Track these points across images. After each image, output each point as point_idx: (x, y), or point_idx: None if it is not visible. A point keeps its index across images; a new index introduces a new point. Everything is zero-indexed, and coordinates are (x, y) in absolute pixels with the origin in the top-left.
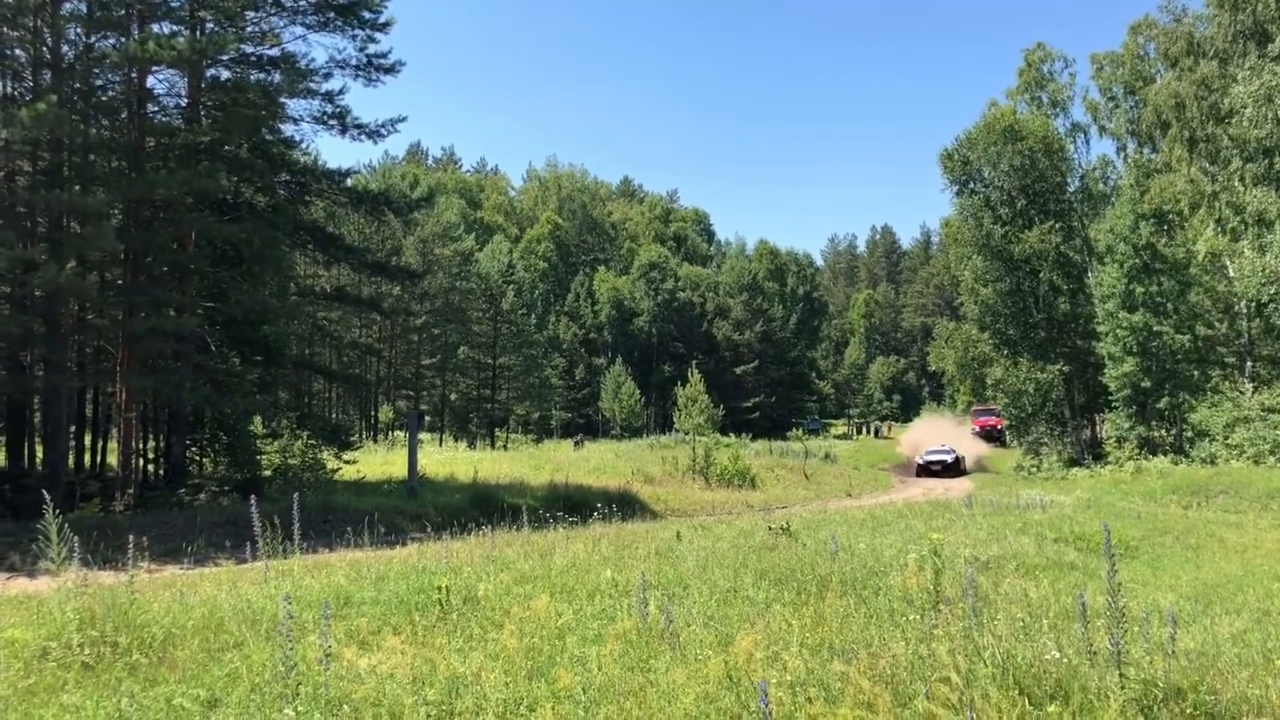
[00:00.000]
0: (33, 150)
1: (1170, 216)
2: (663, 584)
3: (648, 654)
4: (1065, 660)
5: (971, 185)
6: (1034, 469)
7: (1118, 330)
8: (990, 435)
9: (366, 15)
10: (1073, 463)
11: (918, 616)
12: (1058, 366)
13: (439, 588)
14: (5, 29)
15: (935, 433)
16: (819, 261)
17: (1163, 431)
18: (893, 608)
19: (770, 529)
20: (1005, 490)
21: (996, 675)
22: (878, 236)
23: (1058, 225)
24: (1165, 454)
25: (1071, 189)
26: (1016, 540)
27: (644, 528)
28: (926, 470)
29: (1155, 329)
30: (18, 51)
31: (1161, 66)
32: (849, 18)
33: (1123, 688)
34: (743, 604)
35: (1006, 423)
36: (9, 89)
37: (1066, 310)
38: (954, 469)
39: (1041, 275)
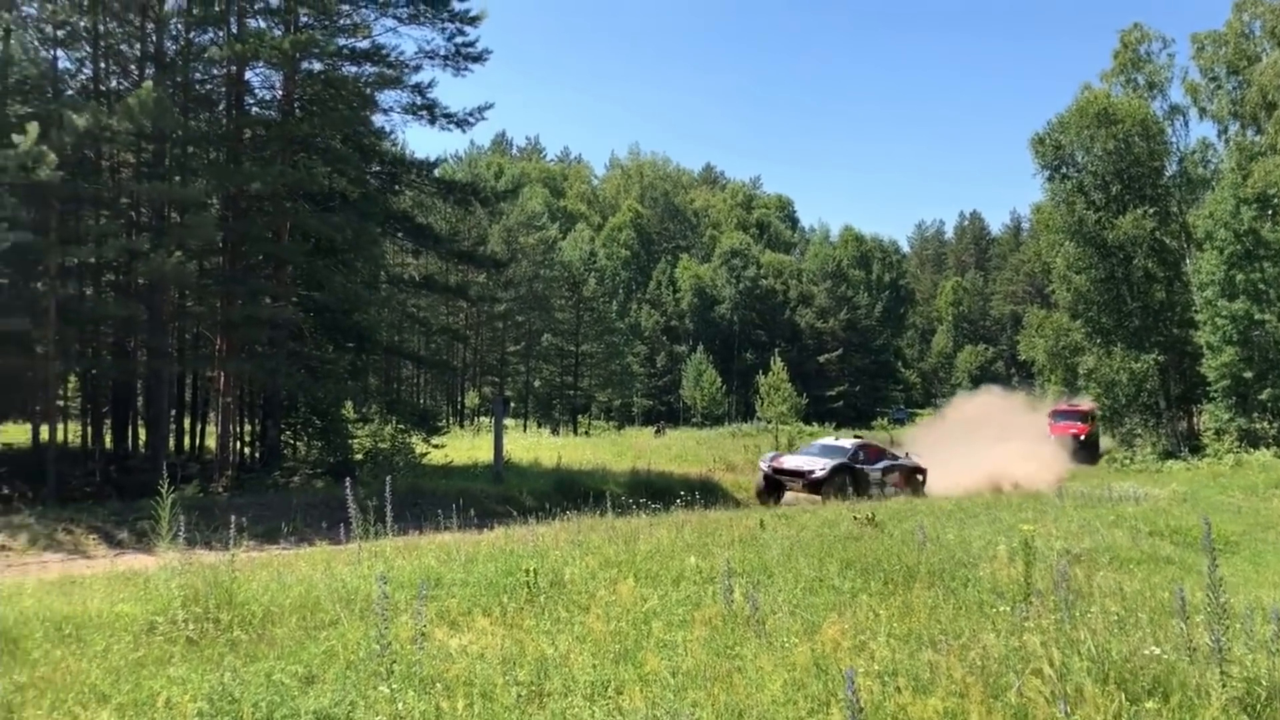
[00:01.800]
0: (136, 142)
1: (1275, 201)
2: (747, 571)
3: (734, 640)
4: (1164, 656)
5: (1063, 170)
6: (1127, 461)
7: (1217, 319)
8: (1079, 443)
9: (456, 7)
10: (1168, 455)
11: (1008, 609)
12: (1153, 356)
13: (526, 571)
14: (114, 25)
15: (983, 416)
16: (905, 248)
17: (1265, 424)
18: (982, 599)
19: (855, 518)
20: (1097, 482)
21: (1092, 669)
22: (966, 223)
23: (1153, 210)
24: (1268, 447)
25: (1169, 173)
26: (1109, 533)
27: (726, 515)
28: (775, 486)
29: (1257, 317)
30: (123, 47)
31: (1268, 45)
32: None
33: (1224, 686)
34: (828, 593)
35: (1096, 427)
36: (116, 84)
37: (1163, 298)
38: (818, 486)
39: (1136, 262)
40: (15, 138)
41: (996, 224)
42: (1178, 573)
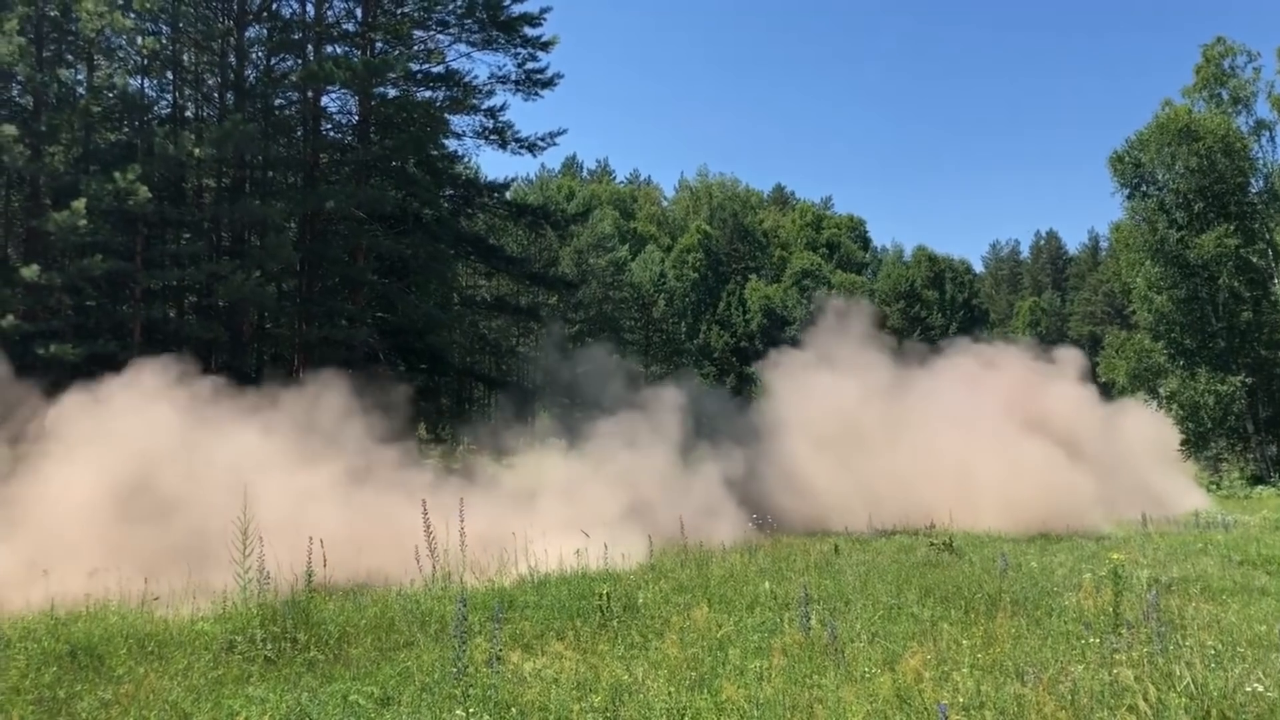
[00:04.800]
0: (218, 167)
1: None
2: (823, 598)
3: (812, 669)
4: (1267, 694)
5: (1143, 188)
6: (1213, 486)
7: None
8: None
9: (528, 32)
10: (1257, 480)
11: (1097, 640)
12: (1239, 378)
13: (600, 594)
14: (197, 54)
15: None
16: (979, 268)
17: None
18: (1069, 630)
19: (932, 544)
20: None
21: (1190, 706)
22: (1042, 242)
23: (1237, 229)
24: None
25: (1254, 190)
26: (1198, 561)
27: (800, 540)
28: None
29: None
30: (205, 75)
31: None
32: (1010, 18)
33: None
34: (908, 621)
35: None
36: (199, 110)
37: (1249, 318)
38: None
39: (1221, 281)
40: (115, 174)
41: (1073, 243)
42: (1275, 605)
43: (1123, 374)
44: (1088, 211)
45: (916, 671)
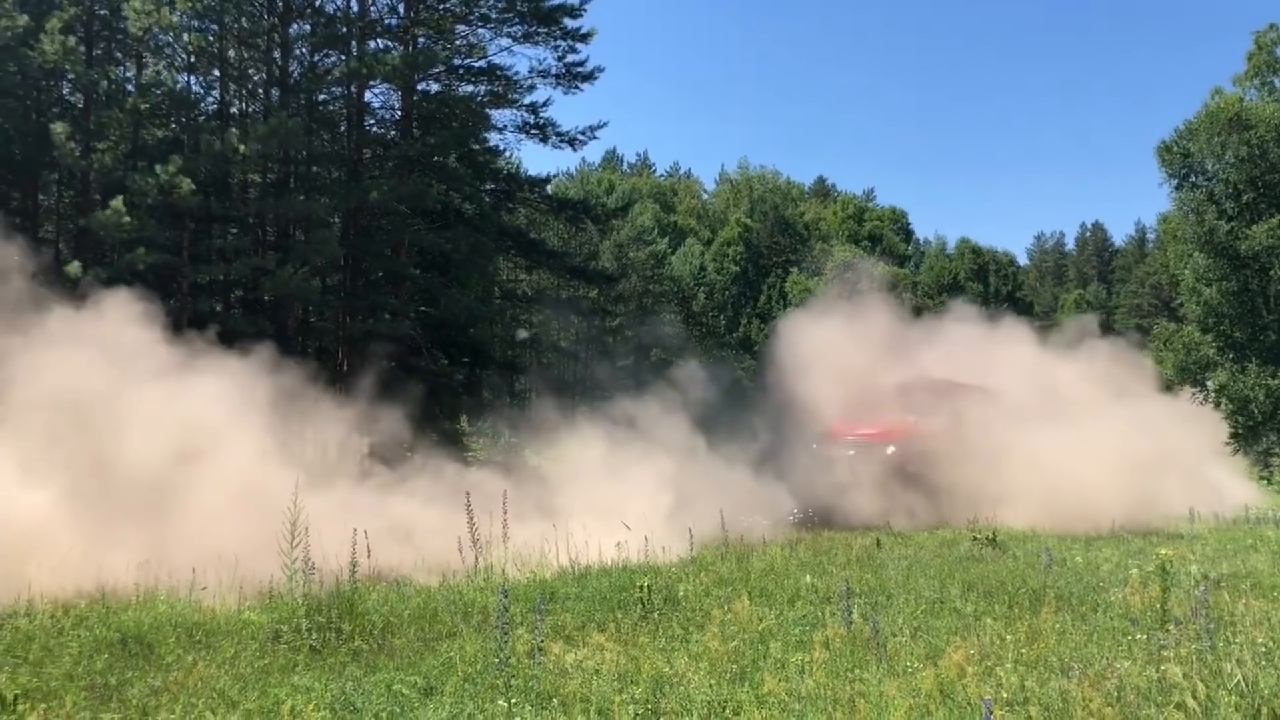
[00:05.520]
0: (263, 163)
1: None
2: (865, 592)
3: (854, 663)
4: None
5: (1192, 179)
6: (1264, 481)
7: None
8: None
9: (568, 24)
10: None
11: (1144, 636)
12: None
13: (640, 587)
14: (242, 51)
15: None
16: (1023, 260)
17: None
18: (1115, 626)
19: (975, 539)
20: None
21: (1240, 704)
22: (1087, 234)
23: None
24: None
25: None
26: (1248, 558)
27: (841, 534)
28: None
29: None
30: (251, 71)
31: None
32: (1054, 10)
33: None
34: (950, 615)
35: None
36: (244, 106)
37: None
38: None
39: (1273, 273)
40: (157, 167)
41: (1120, 235)
42: None
43: (1170, 367)
44: (1134, 203)
45: (959, 666)
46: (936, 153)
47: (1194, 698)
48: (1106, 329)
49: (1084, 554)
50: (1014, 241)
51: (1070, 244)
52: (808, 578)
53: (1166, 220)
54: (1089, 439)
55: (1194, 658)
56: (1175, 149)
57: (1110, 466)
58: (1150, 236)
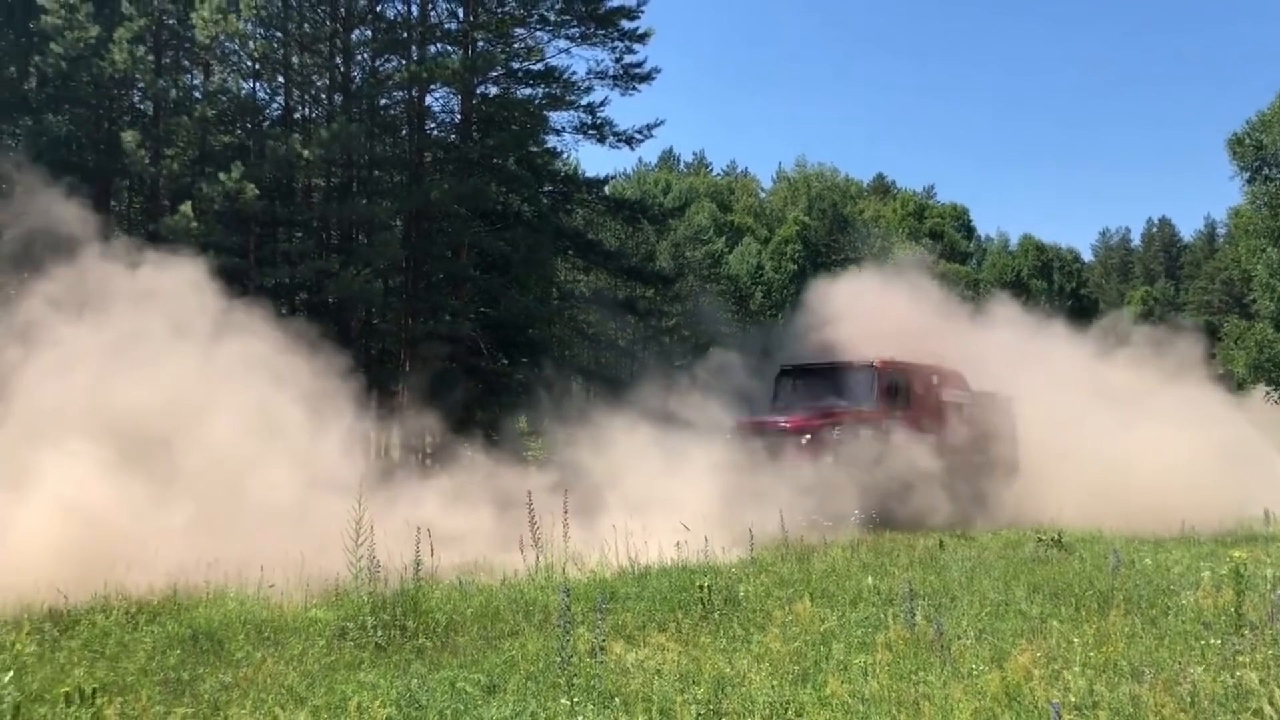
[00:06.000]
0: (326, 167)
1: None
2: (928, 593)
3: (918, 665)
4: None
5: (1265, 171)
6: None
7: None
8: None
9: (625, 25)
10: None
11: (1218, 641)
12: None
13: (700, 587)
14: (305, 57)
15: None
16: (1087, 256)
17: None
18: (1186, 630)
19: (1040, 540)
20: None
21: None
22: (1154, 229)
23: None
24: None
25: None
26: None
27: (903, 535)
28: None
29: None
30: (314, 77)
31: None
32: (1114, 3)
33: None
34: (1016, 618)
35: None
36: (308, 112)
37: None
38: None
39: None
40: (222, 174)
41: (1188, 230)
42: None
43: (1241, 365)
44: (1203, 197)
45: (1026, 669)
46: (998, 148)
47: (1271, 704)
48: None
49: (1153, 556)
50: (1078, 238)
51: (1136, 239)
52: (869, 579)
53: (1238, 214)
54: (1144, 435)
55: (1270, 663)
56: (1247, 141)
57: (1171, 464)
58: (1220, 231)
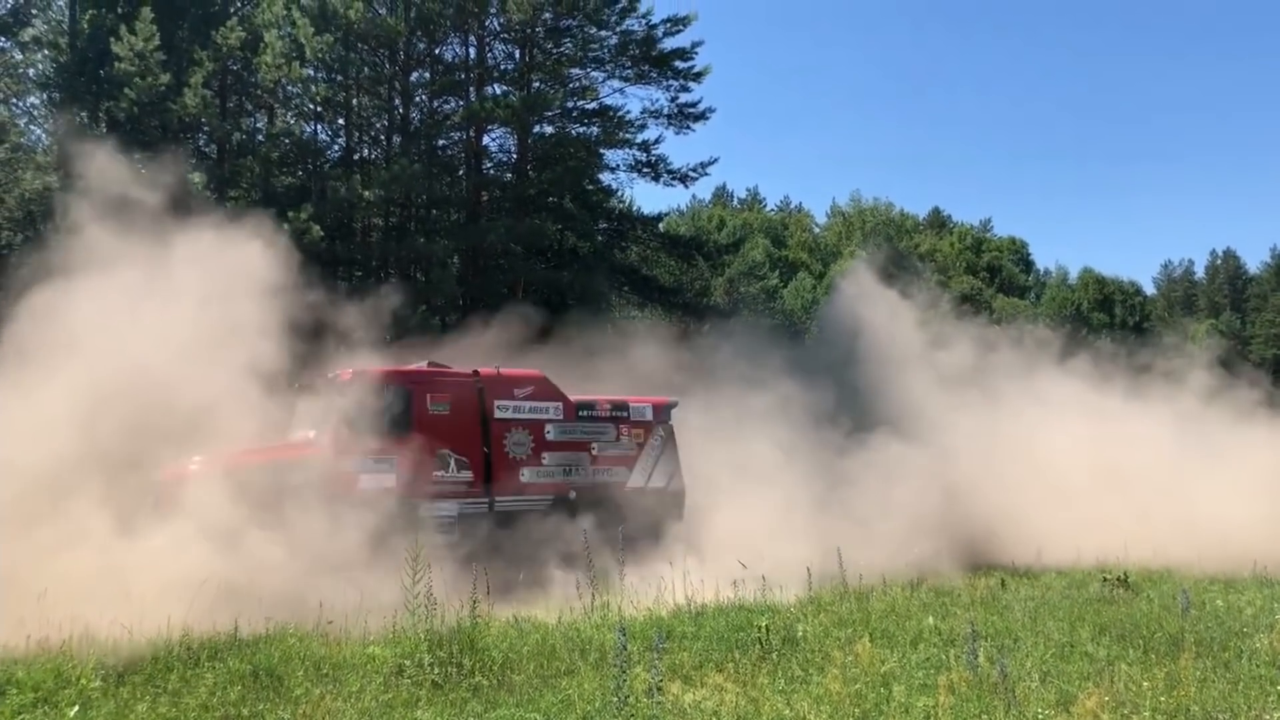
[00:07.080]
0: (385, 206)
1: None
2: (990, 634)
3: (981, 708)
4: None
5: None
6: None
7: None
8: None
9: (680, 65)
10: None
11: None
12: None
13: (758, 626)
14: (365, 99)
15: None
16: (1149, 289)
17: None
18: (1260, 674)
19: (1105, 579)
20: None
21: None
22: (1219, 261)
23: None
24: None
25: None
26: None
27: (963, 574)
28: None
29: None
30: (373, 119)
31: None
32: (1175, 30)
33: None
34: (1082, 660)
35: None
36: (368, 153)
37: None
38: None
39: None
40: (288, 213)
41: (1254, 261)
42: None
43: None
44: (1269, 228)
45: (1094, 714)
46: (1057, 180)
47: None
48: (1242, 360)
49: (1224, 597)
50: (1140, 270)
51: (1200, 271)
52: (930, 619)
53: None
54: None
55: None
56: None
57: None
58: None
